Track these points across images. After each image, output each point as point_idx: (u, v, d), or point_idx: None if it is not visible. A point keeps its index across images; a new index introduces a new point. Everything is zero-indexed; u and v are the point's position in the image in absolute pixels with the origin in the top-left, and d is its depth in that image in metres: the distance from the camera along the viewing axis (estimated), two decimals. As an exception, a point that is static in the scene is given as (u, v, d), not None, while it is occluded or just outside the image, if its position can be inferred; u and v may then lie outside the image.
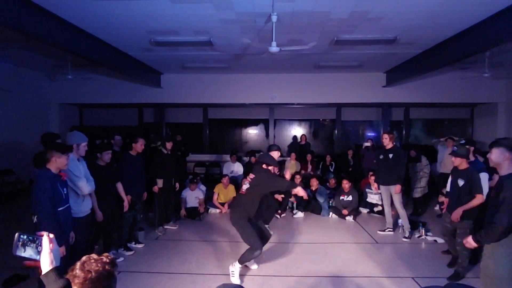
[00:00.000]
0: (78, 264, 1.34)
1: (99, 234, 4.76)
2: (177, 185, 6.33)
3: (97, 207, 4.18)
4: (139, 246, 5.29)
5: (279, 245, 5.42)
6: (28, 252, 1.52)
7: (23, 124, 9.37)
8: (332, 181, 7.77)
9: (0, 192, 8.29)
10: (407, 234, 5.66)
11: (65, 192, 3.26)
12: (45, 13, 5.04)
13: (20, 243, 1.52)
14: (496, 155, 2.79)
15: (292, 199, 7.39)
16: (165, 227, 6.14)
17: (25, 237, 1.53)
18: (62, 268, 1.48)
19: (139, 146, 5.17)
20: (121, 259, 4.74)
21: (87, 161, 4.06)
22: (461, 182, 4.17)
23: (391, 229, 6.01)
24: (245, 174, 8.87)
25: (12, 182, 8.67)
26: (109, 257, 1.38)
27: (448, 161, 6.81)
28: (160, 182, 5.85)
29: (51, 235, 1.54)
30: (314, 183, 7.43)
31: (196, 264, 4.67)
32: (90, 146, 4.05)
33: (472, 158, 4.74)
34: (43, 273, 1.47)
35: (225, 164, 9.12)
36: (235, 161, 9.06)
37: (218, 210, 7.44)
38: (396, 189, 5.61)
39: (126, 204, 4.81)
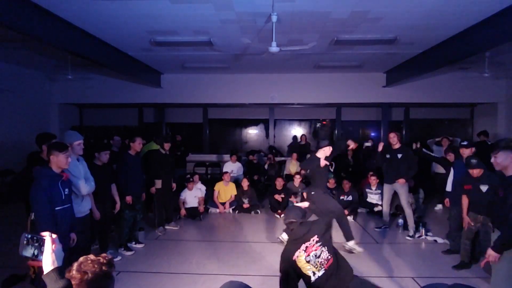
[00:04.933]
0: (75, 265, 1.34)
1: (95, 235, 4.75)
2: (174, 185, 6.29)
3: (95, 207, 4.18)
4: (139, 246, 5.29)
5: (279, 244, 5.41)
6: (31, 252, 1.55)
7: (23, 124, 9.37)
8: (332, 181, 7.77)
9: (0, 192, 8.29)
10: (411, 233, 5.69)
11: (66, 193, 3.25)
12: (45, 13, 5.05)
13: (25, 242, 1.56)
14: (502, 158, 2.85)
15: (292, 198, 7.39)
16: (166, 227, 6.13)
17: (29, 236, 1.56)
18: (63, 268, 1.49)
19: (137, 145, 5.19)
20: (119, 258, 4.74)
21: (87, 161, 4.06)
22: (484, 188, 4.18)
23: (387, 226, 6.12)
24: (245, 174, 8.89)
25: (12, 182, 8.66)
26: (106, 258, 1.38)
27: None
28: (158, 183, 5.85)
29: (54, 236, 1.55)
30: (347, 185, 7.34)
31: (196, 264, 4.66)
32: (88, 146, 4.05)
33: None
34: (44, 273, 1.47)
35: (225, 164, 9.11)
36: (235, 161, 9.06)
37: (218, 210, 7.44)
38: (400, 181, 5.67)
39: (118, 206, 4.80)
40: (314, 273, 2.71)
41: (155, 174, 5.83)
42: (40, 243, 1.55)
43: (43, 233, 1.56)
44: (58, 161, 3.14)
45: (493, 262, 2.82)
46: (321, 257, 2.74)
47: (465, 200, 4.42)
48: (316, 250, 2.76)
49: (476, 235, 4.44)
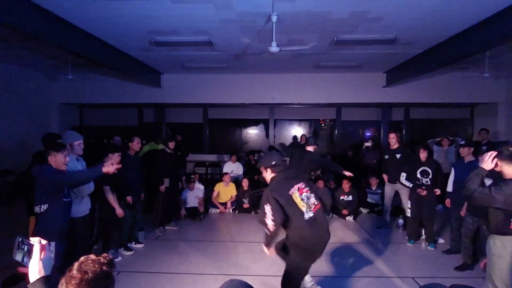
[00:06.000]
0: (75, 264, 1.33)
1: (98, 235, 4.76)
2: (180, 184, 6.37)
3: (117, 204, 4.42)
4: (139, 246, 5.29)
5: (279, 245, 5.41)
6: (20, 256, 1.49)
7: (23, 124, 9.37)
8: (332, 182, 7.79)
9: (0, 192, 8.28)
10: None
11: (65, 192, 3.27)
12: (45, 13, 5.04)
13: (17, 246, 1.50)
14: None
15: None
16: (166, 227, 6.14)
17: (19, 240, 1.50)
18: (56, 275, 1.46)
19: (135, 145, 5.23)
20: (119, 258, 4.74)
21: (94, 161, 4.08)
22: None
23: (387, 226, 6.16)
24: (245, 174, 8.89)
25: (13, 182, 8.65)
26: (107, 258, 1.37)
27: (444, 161, 6.82)
28: (166, 182, 5.89)
29: (44, 242, 1.50)
30: (321, 185, 7.33)
31: (196, 264, 4.67)
32: (88, 146, 4.08)
33: (471, 158, 4.75)
34: (30, 281, 1.43)
35: (225, 164, 9.11)
36: (235, 161, 9.06)
37: (218, 210, 7.44)
38: None
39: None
40: (306, 212, 3.00)
41: (162, 173, 5.85)
42: (29, 248, 1.48)
43: (32, 239, 1.49)
44: (56, 161, 3.17)
45: None
46: (310, 200, 3.05)
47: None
48: (306, 192, 3.07)
49: (475, 233, 4.43)
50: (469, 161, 4.73)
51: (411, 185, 5.34)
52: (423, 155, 5.27)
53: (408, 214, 5.47)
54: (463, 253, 4.54)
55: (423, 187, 5.21)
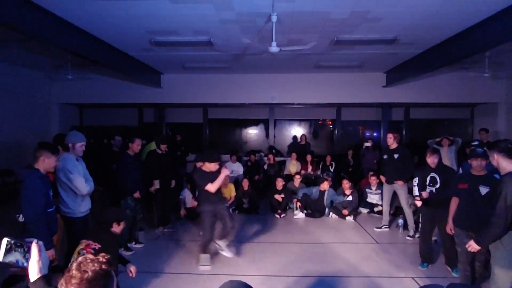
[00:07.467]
0: (74, 264, 1.34)
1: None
2: (173, 182, 6.24)
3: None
4: (139, 246, 5.29)
5: (279, 245, 5.42)
6: (15, 258, 1.47)
7: (23, 124, 9.37)
8: (329, 180, 7.77)
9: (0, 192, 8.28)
10: (411, 233, 5.68)
11: (50, 194, 3.25)
12: (45, 13, 5.04)
13: (8, 248, 1.47)
14: (492, 159, 2.97)
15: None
16: (166, 230, 6.11)
17: (12, 242, 1.48)
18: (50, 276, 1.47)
19: (135, 146, 5.21)
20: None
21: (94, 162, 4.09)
22: (484, 190, 3.39)
23: (387, 226, 6.13)
24: (245, 174, 8.89)
25: (12, 183, 8.66)
26: (105, 257, 1.38)
27: (444, 161, 6.80)
28: (156, 183, 5.84)
29: (40, 243, 1.51)
30: (326, 185, 7.23)
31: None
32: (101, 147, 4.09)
33: (484, 171, 4.47)
34: (31, 281, 1.45)
35: (225, 164, 9.10)
36: (235, 161, 9.05)
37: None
38: (398, 182, 5.67)
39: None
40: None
41: (152, 174, 5.83)
42: (25, 249, 1.46)
43: (30, 239, 1.50)
44: (49, 163, 3.12)
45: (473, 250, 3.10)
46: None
47: (454, 202, 3.75)
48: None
49: (473, 258, 3.70)
50: (481, 175, 3.56)
51: (416, 194, 4.49)
52: (430, 159, 4.43)
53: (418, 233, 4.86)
54: (462, 280, 3.77)
55: (418, 198, 4.46)
